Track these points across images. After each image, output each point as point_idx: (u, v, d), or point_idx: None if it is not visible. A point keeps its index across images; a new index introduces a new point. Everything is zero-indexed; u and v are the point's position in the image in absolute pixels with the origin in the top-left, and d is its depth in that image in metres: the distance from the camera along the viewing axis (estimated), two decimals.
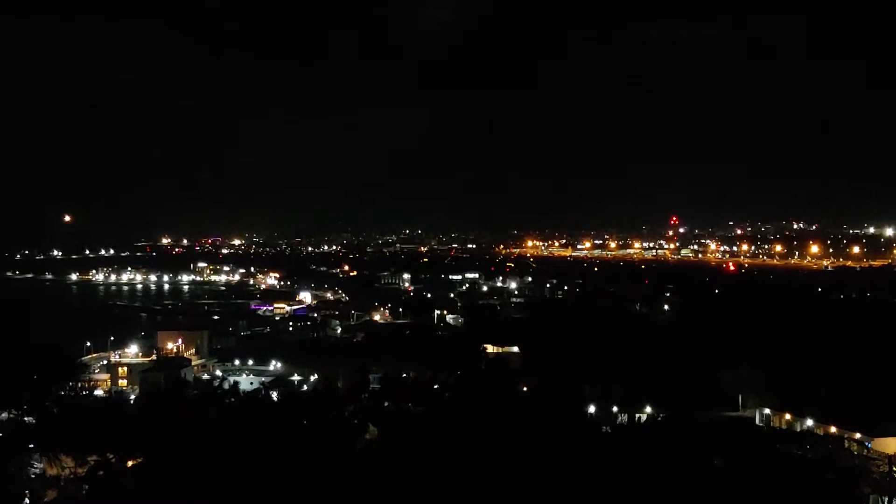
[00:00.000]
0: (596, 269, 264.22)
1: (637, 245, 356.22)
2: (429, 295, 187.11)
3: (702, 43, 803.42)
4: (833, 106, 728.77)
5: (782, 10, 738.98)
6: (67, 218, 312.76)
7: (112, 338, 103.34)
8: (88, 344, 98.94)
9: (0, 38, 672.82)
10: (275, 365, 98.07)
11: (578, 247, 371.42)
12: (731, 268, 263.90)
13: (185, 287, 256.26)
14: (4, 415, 32.20)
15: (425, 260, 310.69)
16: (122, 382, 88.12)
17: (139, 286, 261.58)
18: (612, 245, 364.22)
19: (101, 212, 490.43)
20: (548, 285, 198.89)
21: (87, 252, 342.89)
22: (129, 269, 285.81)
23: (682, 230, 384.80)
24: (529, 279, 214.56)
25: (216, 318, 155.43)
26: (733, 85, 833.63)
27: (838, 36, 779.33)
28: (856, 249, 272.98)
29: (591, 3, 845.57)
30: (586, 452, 28.77)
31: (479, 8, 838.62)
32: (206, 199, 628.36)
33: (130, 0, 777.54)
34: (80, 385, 47.03)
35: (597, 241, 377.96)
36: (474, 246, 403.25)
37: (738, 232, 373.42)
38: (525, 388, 43.73)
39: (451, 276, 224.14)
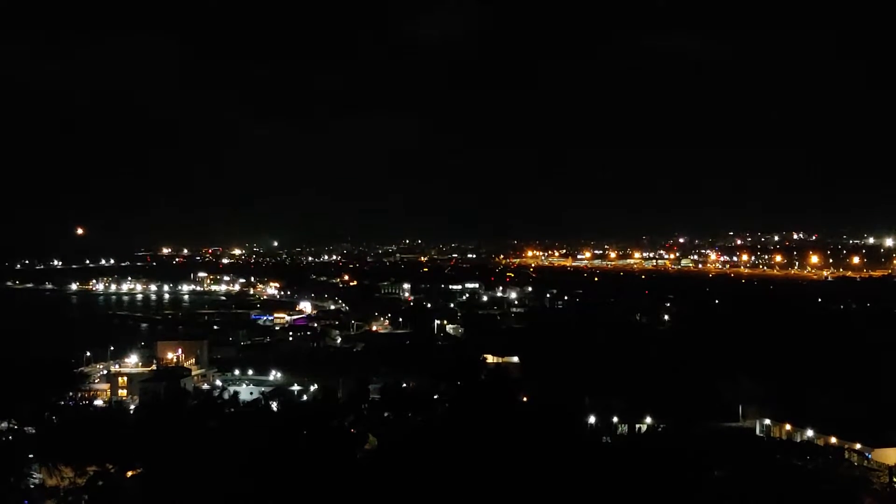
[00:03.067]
0: (596, 279, 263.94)
1: (637, 255, 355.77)
2: (429, 305, 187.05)
3: (701, 50, 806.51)
4: (834, 112, 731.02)
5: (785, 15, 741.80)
6: (80, 231, 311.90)
7: (112, 348, 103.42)
8: (88, 354, 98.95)
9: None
10: (275, 375, 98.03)
11: (579, 257, 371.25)
12: (732, 277, 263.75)
13: (186, 297, 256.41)
14: (4, 424, 32.21)
15: (425, 270, 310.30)
16: (122, 392, 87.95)
17: (139, 296, 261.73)
18: (613, 255, 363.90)
19: (101, 221, 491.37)
20: (548, 295, 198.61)
21: (88, 262, 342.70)
22: (130, 278, 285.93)
23: (682, 240, 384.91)
24: (529, 289, 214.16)
25: (216, 327, 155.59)
26: (734, 92, 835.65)
27: (838, 40, 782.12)
28: (856, 260, 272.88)
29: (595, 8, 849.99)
30: (587, 463, 28.72)
31: (476, 16, 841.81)
32: (207, 209, 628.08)
33: (130, 9, 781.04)
34: (79, 395, 47.03)
35: (597, 252, 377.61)
36: (474, 256, 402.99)
37: (738, 242, 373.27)
38: (525, 399, 43.69)
39: (451, 287, 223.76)
